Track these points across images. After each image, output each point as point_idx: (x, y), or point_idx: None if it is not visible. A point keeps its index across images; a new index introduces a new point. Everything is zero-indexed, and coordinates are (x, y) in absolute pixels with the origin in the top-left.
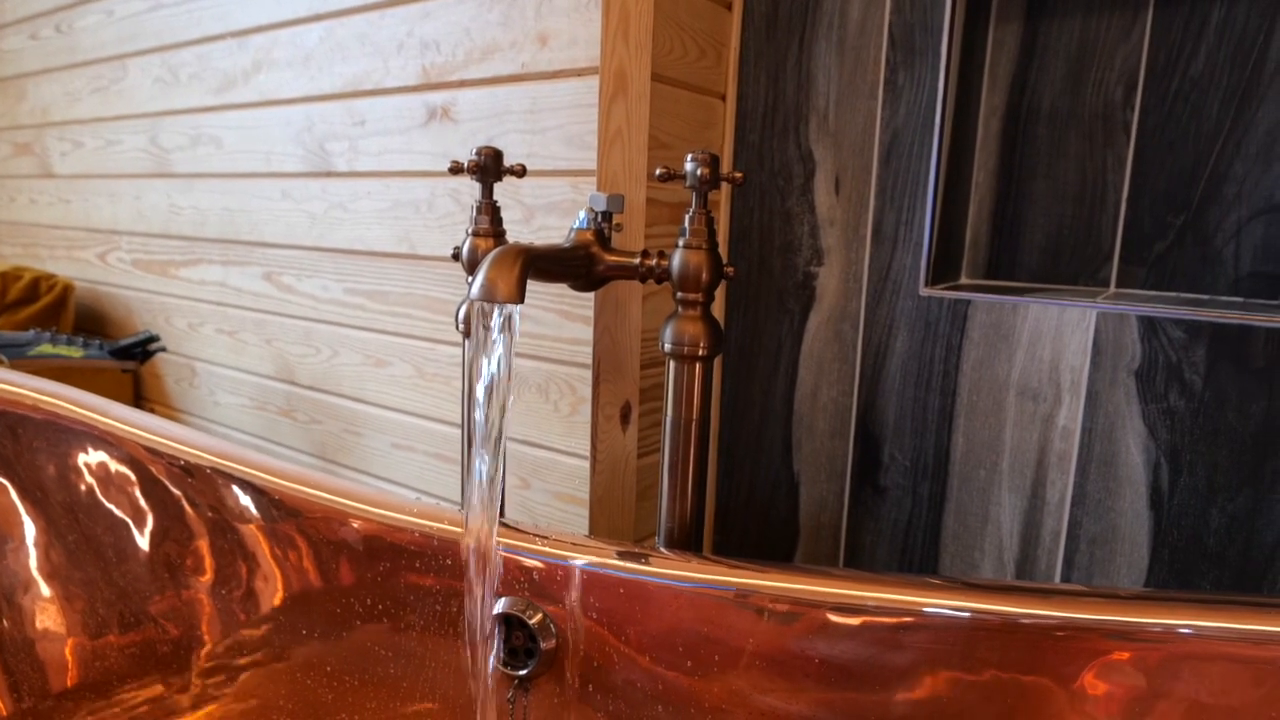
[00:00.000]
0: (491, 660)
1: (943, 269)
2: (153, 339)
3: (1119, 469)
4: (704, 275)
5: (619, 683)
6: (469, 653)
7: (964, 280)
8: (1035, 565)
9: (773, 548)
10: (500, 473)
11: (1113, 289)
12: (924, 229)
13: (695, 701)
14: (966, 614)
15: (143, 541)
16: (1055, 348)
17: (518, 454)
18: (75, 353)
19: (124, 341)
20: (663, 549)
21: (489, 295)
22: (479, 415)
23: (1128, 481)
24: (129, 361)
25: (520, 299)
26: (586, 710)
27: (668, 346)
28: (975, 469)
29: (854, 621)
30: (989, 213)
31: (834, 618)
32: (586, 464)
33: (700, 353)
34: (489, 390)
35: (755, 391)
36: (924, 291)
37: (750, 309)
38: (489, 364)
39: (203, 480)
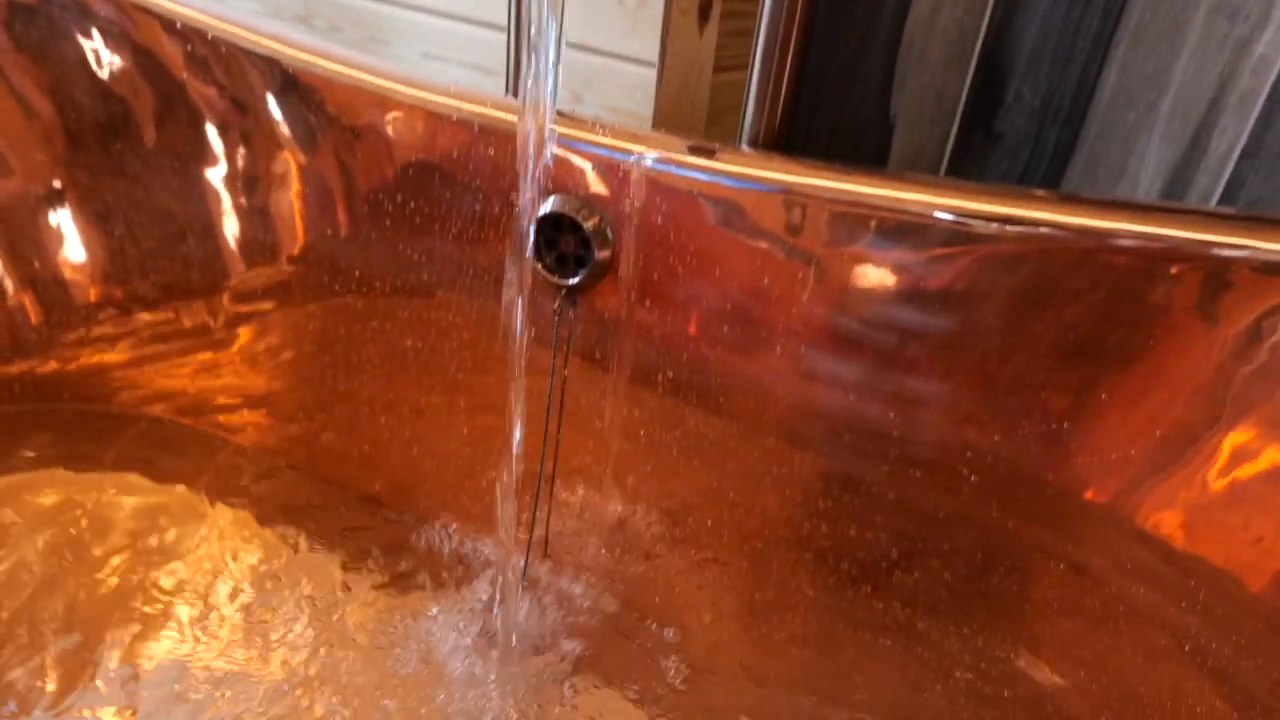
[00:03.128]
0: (537, 265)
1: None
2: None
3: None
4: None
5: (680, 298)
6: (511, 258)
7: None
8: None
9: None
10: (557, 45)
11: None
12: None
13: (766, 323)
14: (1089, 233)
15: (147, 131)
16: None
17: (570, 61)
18: None
19: None
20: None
21: None
22: None
23: None
24: None
25: None
26: (640, 326)
27: None
28: (1124, 112)
29: (954, 235)
30: None
31: (936, 231)
32: (652, 72)
33: None
34: None
35: (857, 9)
36: None
37: None
38: None
39: (210, 52)
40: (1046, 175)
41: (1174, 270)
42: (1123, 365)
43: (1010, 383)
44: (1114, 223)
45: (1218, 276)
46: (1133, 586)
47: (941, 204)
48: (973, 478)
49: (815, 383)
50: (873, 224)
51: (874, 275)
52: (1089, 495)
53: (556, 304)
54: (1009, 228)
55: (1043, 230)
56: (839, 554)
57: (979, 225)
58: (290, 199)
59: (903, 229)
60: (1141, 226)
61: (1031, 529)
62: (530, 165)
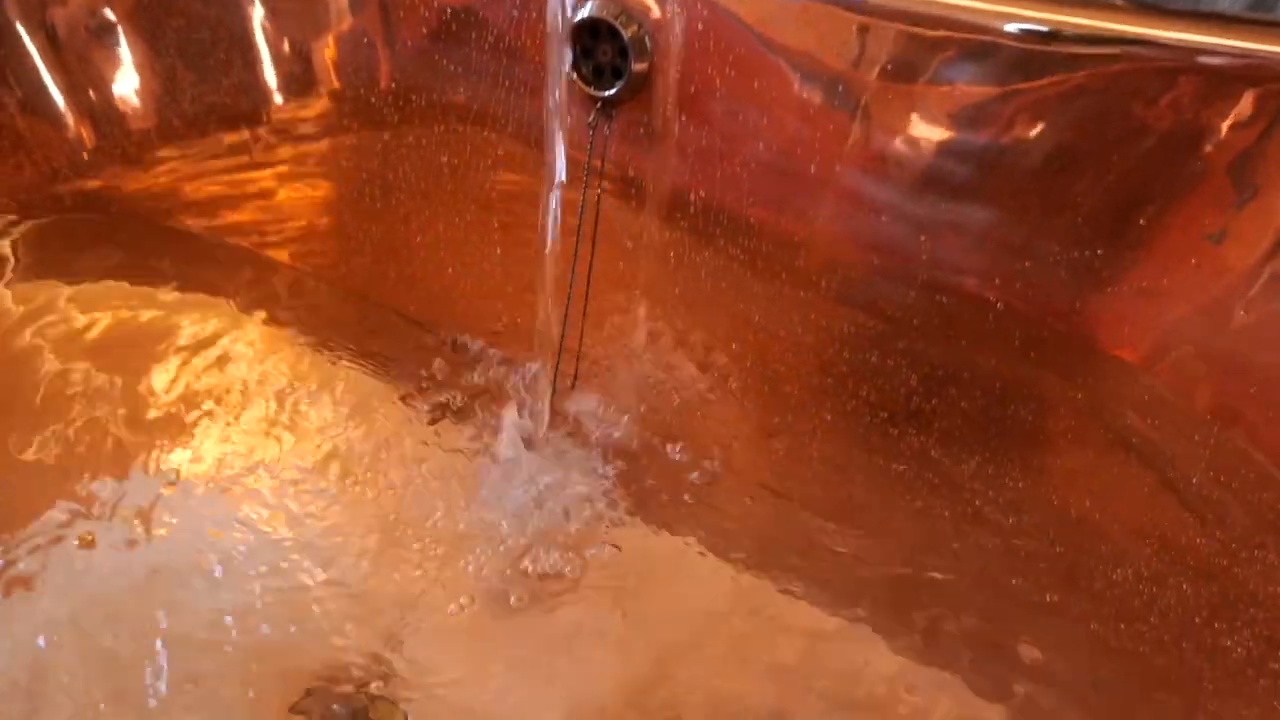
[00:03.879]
0: (573, 75)
1: None
2: None
3: None
4: None
5: (718, 114)
6: (547, 65)
7: None
8: None
9: None
10: None
11: None
12: None
13: (804, 142)
14: (1172, 48)
15: None
16: None
17: None
18: None
19: None
20: None
21: None
22: None
23: None
24: None
25: None
26: (677, 142)
27: None
28: None
29: (1018, 54)
30: None
31: (999, 50)
32: None
33: None
34: None
35: None
36: None
37: None
38: None
39: None
40: None
41: (1254, 94)
42: (1170, 198)
43: (1050, 209)
44: (1200, 35)
45: None
46: (1145, 420)
47: (1010, 13)
48: (999, 304)
49: (849, 205)
50: (931, 39)
51: (926, 95)
52: (1114, 326)
53: (592, 117)
54: (1079, 48)
55: (1117, 49)
56: (859, 379)
57: (1046, 42)
58: (326, 9)
59: (964, 46)
60: (1230, 40)
61: (1052, 359)
62: None
